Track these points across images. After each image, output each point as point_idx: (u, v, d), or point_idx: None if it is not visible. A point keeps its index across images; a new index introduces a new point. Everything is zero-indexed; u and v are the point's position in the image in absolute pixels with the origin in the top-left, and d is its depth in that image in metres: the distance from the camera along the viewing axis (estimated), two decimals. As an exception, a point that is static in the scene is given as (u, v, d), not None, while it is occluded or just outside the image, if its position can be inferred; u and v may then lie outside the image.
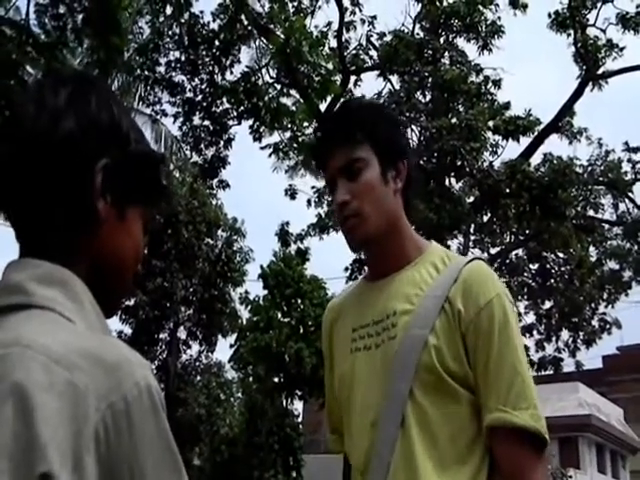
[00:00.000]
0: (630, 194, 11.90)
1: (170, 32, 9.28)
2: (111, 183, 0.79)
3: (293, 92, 10.07)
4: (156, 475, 0.67)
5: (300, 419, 21.43)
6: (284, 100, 10.11)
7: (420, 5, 9.54)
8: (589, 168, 11.69)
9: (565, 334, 13.57)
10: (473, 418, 1.24)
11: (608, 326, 13.48)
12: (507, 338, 1.24)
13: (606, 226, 12.81)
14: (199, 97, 9.68)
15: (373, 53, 10.05)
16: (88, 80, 0.86)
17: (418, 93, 10.27)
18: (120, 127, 0.82)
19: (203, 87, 9.62)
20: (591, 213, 12.13)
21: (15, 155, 0.77)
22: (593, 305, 13.42)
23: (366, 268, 1.51)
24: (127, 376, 0.67)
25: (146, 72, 9.47)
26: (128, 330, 17.26)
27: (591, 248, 12.97)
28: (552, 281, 13.51)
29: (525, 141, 10.70)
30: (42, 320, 0.71)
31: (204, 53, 9.27)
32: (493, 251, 13.45)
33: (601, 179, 11.77)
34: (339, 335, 1.41)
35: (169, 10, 8.80)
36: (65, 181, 0.77)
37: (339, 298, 1.50)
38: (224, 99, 9.76)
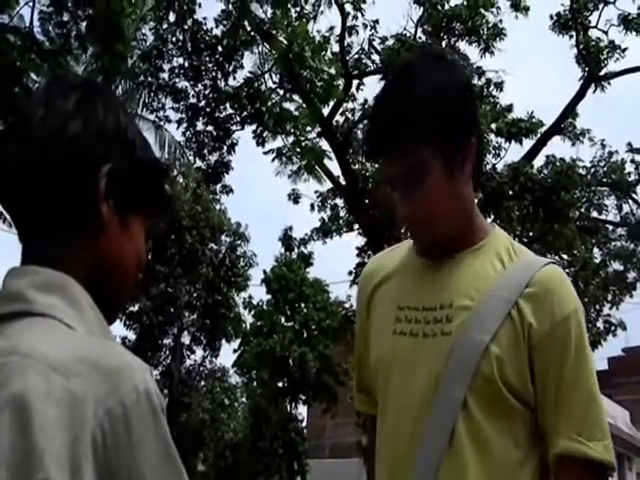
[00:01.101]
0: (634, 195, 11.90)
1: (173, 38, 9.32)
2: (115, 188, 0.79)
3: (296, 97, 10.10)
4: (155, 478, 0.66)
5: (304, 424, 21.41)
6: (287, 105, 10.15)
7: (422, 9, 9.57)
8: (592, 169, 11.68)
9: (569, 336, 13.55)
10: (527, 436, 1.16)
11: (613, 328, 13.45)
12: (584, 360, 1.15)
13: (610, 227, 12.79)
14: (202, 103, 9.72)
15: (375, 57, 10.08)
16: (96, 87, 0.87)
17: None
18: (126, 134, 0.82)
19: (206, 93, 9.66)
20: (595, 214, 12.12)
21: (21, 156, 0.77)
22: (598, 307, 13.40)
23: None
24: (125, 380, 0.66)
25: (150, 78, 9.51)
26: (132, 336, 17.31)
27: (595, 249, 12.95)
28: (556, 283, 13.51)
29: (528, 143, 10.72)
30: (42, 328, 0.71)
31: (207, 59, 9.31)
32: (497, 253, 13.46)
33: (604, 180, 11.77)
34: (382, 304, 1.28)
35: (172, 17, 8.85)
36: (69, 184, 0.77)
37: (384, 259, 1.34)
38: (227, 104, 9.79)
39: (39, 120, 0.78)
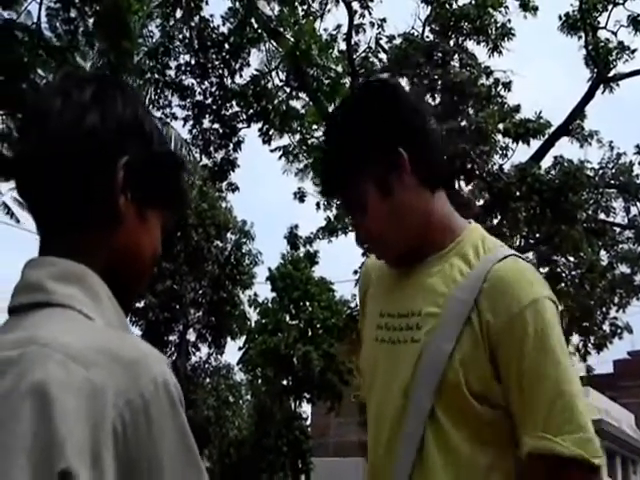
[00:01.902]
0: (642, 197, 11.80)
1: (180, 35, 9.34)
2: (132, 181, 0.79)
3: (302, 95, 10.10)
4: (174, 470, 0.67)
5: (308, 422, 21.44)
6: (293, 103, 10.15)
7: (430, 8, 9.53)
8: (600, 171, 11.59)
9: (576, 338, 13.45)
10: (499, 439, 1.13)
11: (619, 330, 13.35)
12: (548, 352, 1.08)
13: (617, 229, 12.70)
14: (209, 100, 9.72)
15: (382, 56, 10.03)
16: (113, 80, 0.87)
17: (428, 96, 10.24)
18: (143, 126, 0.82)
19: (213, 90, 9.66)
20: (602, 216, 12.02)
21: (39, 148, 0.77)
22: (604, 309, 13.30)
23: None
24: (145, 372, 0.67)
25: (156, 75, 9.52)
26: (137, 332, 17.35)
27: (602, 252, 12.85)
28: (562, 285, 13.41)
29: (535, 144, 10.66)
30: (61, 318, 0.71)
31: (214, 56, 9.31)
32: (503, 255, 13.40)
33: (612, 182, 11.67)
34: (370, 308, 1.33)
35: (179, 14, 8.85)
36: (87, 176, 0.77)
37: (378, 262, 1.35)
38: (234, 102, 9.79)
39: (56, 112, 0.77)
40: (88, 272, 0.76)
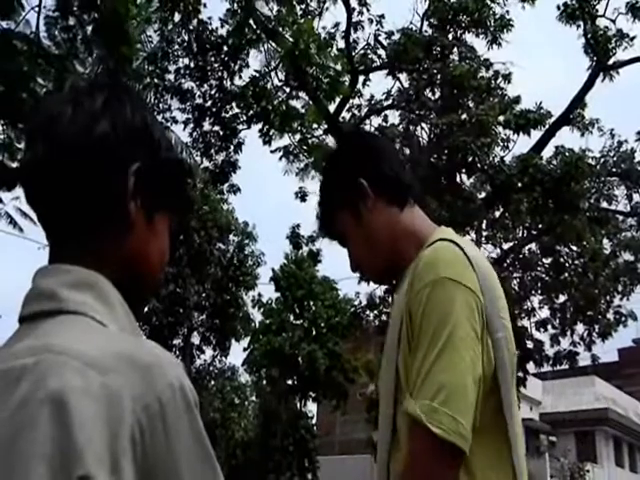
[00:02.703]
0: (644, 184, 11.80)
1: (179, 39, 9.29)
2: (142, 187, 0.80)
3: (302, 94, 10.06)
4: (192, 474, 0.68)
5: (314, 421, 21.43)
6: (293, 103, 10.11)
7: (428, 2, 9.50)
8: (602, 159, 11.60)
9: (580, 328, 13.47)
10: None
11: (623, 318, 13.39)
12: (427, 326, 1.14)
13: (620, 217, 12.72)
14: (209, 103, 9.69)
15: (381, 52, 10.02)
16: (122, 87, 0.88)
17: (427, 90, 10.22)
18: (152, 133, 0.83)
19: (212, 93, 9.63)
20: (605, 205, 12.04)
21: (50, 155, 0.77)
22: (608, 298, 13.31)
23: None
24: (160, 377, 0.67)
25: (156, 80, 9.49)
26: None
27: (605, 240, 12.87)
28: (566, 275, 13.42)
29: (536, 135, 10.64)
30: (74, 325, 0.71)
31: (213, 59, 9.27)
32: (506, 246, 13.38)
33: (614, 170, 11.68)
34: None
35: (177, 17, 8.80)
36: (98, 183, 0.78)
37: None
38: (233, 104, 9.75)
39: (68, 119, 0.78)
40: (100, 278, 0.76)
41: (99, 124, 0.78)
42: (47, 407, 0.62)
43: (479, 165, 10.55)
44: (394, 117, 10.79)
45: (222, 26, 9.10)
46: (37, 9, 7.15)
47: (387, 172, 1.39)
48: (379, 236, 1.36)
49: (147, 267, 0.83)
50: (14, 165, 8.16)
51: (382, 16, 9.84)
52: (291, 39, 8.81)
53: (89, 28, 7.30)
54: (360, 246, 1.39)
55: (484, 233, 12.94)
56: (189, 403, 0.69)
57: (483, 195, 11.57)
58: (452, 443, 1.07)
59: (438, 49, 9.43)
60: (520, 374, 11.41)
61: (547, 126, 10.56)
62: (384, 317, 11.72)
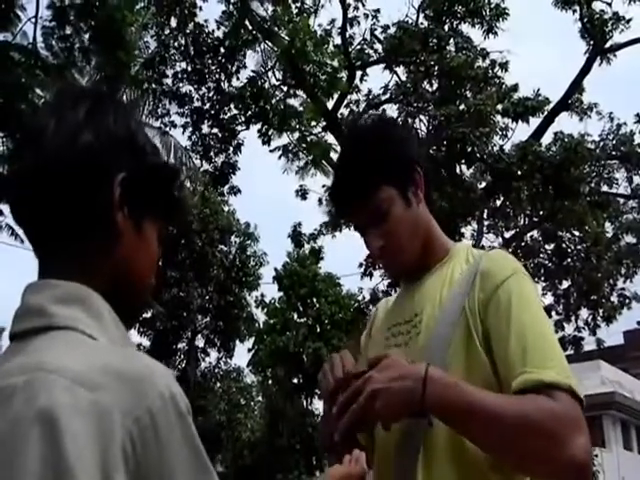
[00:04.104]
0: (644, 166, 11.81)
1: (176, 43, 9.25)
2: (129, 196, 0.80)
3: (300, 92, 10.04)
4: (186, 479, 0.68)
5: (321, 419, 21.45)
6: (291, 101, 10.09)
7: (423, -6, 9.49)
8: (601, 143, 11.61)
9: (584, 312, 13.51)
10: None
11: (627, 301, 13.44)
12: (527, 308, 1.19)
13: (621, 200, 12.74)
14: (207, 105, 9.67)
15: (378, 46, 10.01)
16: (105, 96, 0.87)
17: (425, 82, 10.21)
18: (137, 141, 0.83)
19: (210, 95, 9.61)
20: (605, 188, 12.05)
21: (34, 169, 0.77)
22: (611, 281, 13.36)
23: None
24: (150, 387, 0.67)
25: (153, 85, 9.46)
26: (146, 342, 17.28)
27: (607, 224, 12.91)
28: (569, 260, 13.46)
29: (535, 122, 10.65)
30: (64, 341, 0.71)
31: (210, 61, 9.25)
32: (507, 235, 13.42)
33: (614, 153, 11.69)
34: (377, 334, 1.46)
35: (174, 22, 8.76)
36: (84, 195, 0.77)
37: (386, 300, 1.55)
38: (232, 105, 9.73)
39: (51, 132, 0.77)
40: (89, 291, 0.76)
41: (82, 135, 0.77)
42: (38, 426, 0.63)
43: (478, 155, 10.56)
44: (392, 111, 10.79)
45: (218, 28, 9.10)
46: (34, 20, 7.09)
47: (427, 169, 1.41)
48: (420, 230, 1.34)
49: (137, 276, 0.83)
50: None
51: (378, 10, 9.85)
52: (287, 38, 8.79)
53: (86, 36, 7.25)
54: (402, 229, 1.32)
55: (485, 223, 12.96)
56: (181, 412, 0.68)
57: (483, 185, 11.57)
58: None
59: (434, 41, 9.41)
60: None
61: (545, 113, 10.57)
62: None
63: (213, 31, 9.15)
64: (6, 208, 9.35)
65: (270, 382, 20.53)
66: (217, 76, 9.39)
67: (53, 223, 0.78)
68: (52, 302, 0.74)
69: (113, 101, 0.86)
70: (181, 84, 9.58)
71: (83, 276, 0.77)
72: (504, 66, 10.19)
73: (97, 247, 0.79)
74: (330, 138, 10.78)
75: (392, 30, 9.65)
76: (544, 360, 1.12)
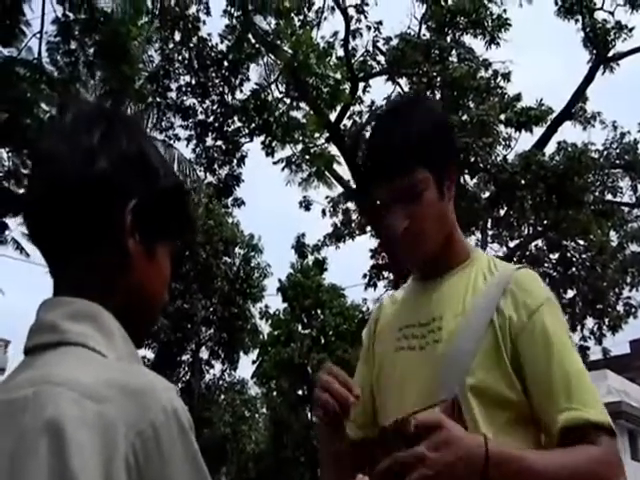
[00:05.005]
0: (648, 175, 11.80)
1: (179, 57, 9.33)
2: (141, 223, 0.81)
3: (303, 105, 10.08)
4: None
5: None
6: (294, 113, 10.13)
7: (425, 6, 9.53)
8: (605, 152, 11.62)
9: (590, 321, 13.46)
10: (514, 422, 1.19)
11: (633, 310, 13.38)
12: (564, 340, 1.20)
13: (626, 209, 12.73)
14: (211, 118, 9.72)
15: (380, 58, 10.06)
16: (119, 118, 0.88)
17: (428, 93, 10.23)
18: (150, 165, 0.84)
19: (214, 108, 9.66)
20: (609, 197, 12.05)
21: (48, 193, 0.79)
22: (617, 290, 13.32)
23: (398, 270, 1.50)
24: (154, 402, 0.69)
25: (158, 98, 9.52)
26: (150, 354, 17.26)
27: (612, 232, 12.89)
28: (574, 269, 13.42)
29: (538, 131, 10.67)
30: (74, 356, 0.73)
31: (214, 75, 9.31)
32: (512, 244, 13.39)
33: (618, 162, 11.70)
34: (384, 332, 1.39)
35: (178, 36, 8.84)
36: (96, 221, 0.79)
37: (391, 296, 1.48)
38: (235, 118, 9.77)
39: (65, 158, 0.79)
40: (100, 309, 0.78)
41: (96, 162, 0.78)
42: (45, 437, 0.65)
43: (482, 165, 10.57)
44: (395, 122, 10.77)
45: (222, 42, 9.18)
46: (39, 35, 7.15)
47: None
48: (445, 225, 1.29)
49: (148, 297, 0.85)
50: (20, 191, 8.14)
51: (380, 22, 9.90)
52: (290, 51, 8.83)
53: (91, 50, 7.30)
54: (431, 218, 1.26)
55: (489, 232, 12.95)
56: (183, 426, 0.70)
57: (487, 194, 11.58)
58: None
59: (437, 52, 9.46)
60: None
61: (549, 122, 10.58)
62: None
63: (216, 45, 9.25)
64: (12, 222, 9.35)
65: (274, 394, 20.45)
66: (221, 89, 9.45)
67: (66, 244, 0.80)
68: (64, 319, 0.76)
69: (126, 123, 0.86)
70: (185, 97, 9.67)
71: (95, 295, 0.78)
72: (506, 76, 10.23)
73: (109, 268, 0.81)
74: (333, 150, 10.81)
75: (394, 42, 9.71)
76: (586, 397, 1.16)
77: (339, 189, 11.93)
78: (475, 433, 1.11)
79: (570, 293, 13.51)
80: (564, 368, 1.17)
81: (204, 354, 18.31)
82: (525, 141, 15.30)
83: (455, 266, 1.31)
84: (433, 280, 1.31)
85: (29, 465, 0.64)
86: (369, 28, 9.78)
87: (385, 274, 13.00)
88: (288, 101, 10.02)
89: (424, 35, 9.77)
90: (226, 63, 9.10)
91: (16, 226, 9.83)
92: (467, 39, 9.80)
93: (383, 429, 1.07)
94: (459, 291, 1.27)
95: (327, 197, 12.37)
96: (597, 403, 1.16)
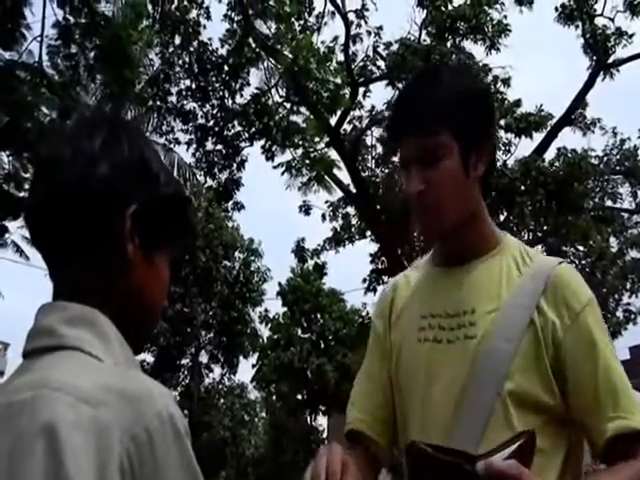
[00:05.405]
0: (648, 181, 11.81)
1: (180, 61, 9.36)
2: (140, 228, 0.82)
3: (303, 109, 10.10)
4: None
5: (325, 435, 21.29)
6: (294, 118, 10.15)
7: (425, 12, 9.56)
8: (605, 158, 11.63)
9: (589, 328, 13.42)
10: (548, 424, 1.15)
11: (633, 316, 13.35)
12: (608, 344, 1.16)
13: (625, 215, 12.72)
14: (211, 122, 9.74)
15: (381, 63, 10.08)
16: (121, 124, 0.88)
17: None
18: (150, 171, 0.85)
19: (214, 112, 9.68)
20: (609, 203, 12.04)
21: (50, 198, 0.80)
22: (617, 296, 13.29)
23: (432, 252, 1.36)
24: (149, 407, 0.69)
25: (158, 102, 9.56)
26: (150, 358, 17.25)
27: (611, 239, 12.87)
28: (574, 275, 13.40)
29: (538, 137, 10.67)
30: (70, 360, 0.74)
31: (214, 79, 9.33)
32: (511, 250, 13.38)
33: (618, 168, 11.71)
34: (404, 320, 1.30)
35: (178, 40, 8.87)
36: (96, 225, 0.80)
37: (404, 277, 1.37)
38: (235, 122, 9.79)
39: (67, 163, 0.80)
40: (97, 314, 0.78)
41: (97, 168, 0.79)
42: (41, 440, 0.65)
43: (482, 170, 10.56)
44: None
45: (222, 46, 9.20)
46: (39, 39, 7.17)
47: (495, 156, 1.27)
48: (468, 202, 1.19)
49: (147, 302, 0.86)
50: (21, 194, 8.15)
51: (380, 28, 9.93)
52: (290, 55, 8.85)
53: (91, 54, 7.33)
54: (448, 188, 1.17)
55: (489, 238, 12.94)
56: (178, 432, 0.70)
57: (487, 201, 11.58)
58: None
59: (437, 57, 9.46)
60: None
61: (548, 128, 10.59)
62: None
63: (217, 49, 9.28)
64: (11, 225, 9.36)
65: (274, 398, 20.43)
66: (221, 93, 9.48)
67: (67, 247, 0.81)
68: (61, 323, 0.77)
69: (128, 129, 0.87)
70: (185, 101, 9.69)
71: (93, 300, 0.79)
72: (506, 82, 10.23)
73: (108, 274, 0.81)
74: (333, 154, 10.82)
75: (395, 47, 9.72)
76: (631, 405, 1.14)
77: (339, 194, 11.94)
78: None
79: (570, 299, 13.47)
80: (609, 374, 1.13)
81: (204, 358, 18.32)
82: (525, 147, 15.37)
83: (483, 253, 1.23)
84: (458, 267, 1.24)
85: (26, 467, 0.65)
86: (369, 33, 9.83)
87: (385, 279, 12.99)
88: (288, 105, 10.03)
89: (424, 40, 9.79)
90: (226, 67, 9.13)
91: (16, 229, 9.83)
92: (467, 44, 9.82)
93: (423, 451, 0.95)
94: (491, 282, 1.20)
95: (327, 201, 12.38)
96: (637, 410, 1.14)
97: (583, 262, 13.30)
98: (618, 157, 11.60)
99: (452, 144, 1.17)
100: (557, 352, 1.14)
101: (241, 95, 9.60)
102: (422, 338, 1.22)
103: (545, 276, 1.17)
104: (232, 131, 9.94)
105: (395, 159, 11.48)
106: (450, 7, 9.32)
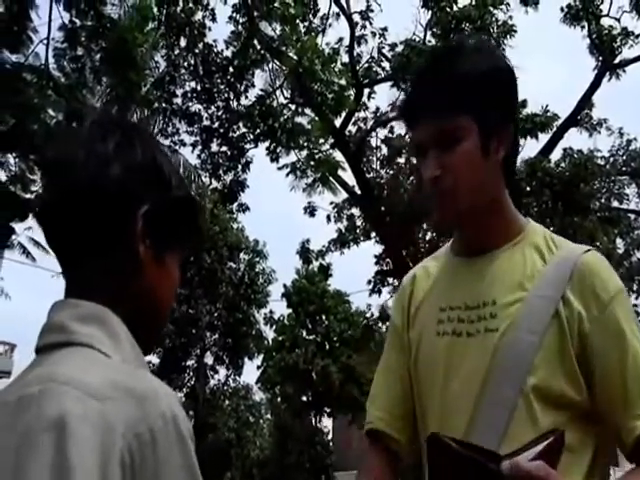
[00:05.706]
0: (655, 182, 11.77)
1: (185, 63, 9.39)
2: (152, 229, 0.83)
3: (308, 111, 10.10)
4: None
5: (330, 436, 21.27)
6: (299, 119, 10.16)
7: (430, 13, 9.55)
8: (611, 159, 11.59)
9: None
10: (573, 419, 1.10)
11: (639, 318, 13.30)
12: (638, 334, 1.09)
13: (632, 216, 12.67)
14: (216, 124, 9.77)
15: (385, 64, 10.08)
16: (134, 128, 0.90)
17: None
18: (162, 174, 0.86)
19: (219, 114, 9.70)
20: (616, 204, 12.00)
21: (63, 198, 0.81)
22: (623, 297, 13.24)
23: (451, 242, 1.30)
24: (154, 407, 0.70)
25: (163, 104, 9.59)
26: (155, 360, 17.28)
27: (618, 240, 12.81)
28: (580, 276, 13.36)
29: (544, 138, 10.65)
30: (80, 356, 0.75)
31: (219, 81, 9.36)
32: (517, 251, 13.35)
33: (624, 169, 11.66)
34: (422, 311, 1.25)
35: (183, 42, 8.90)
36: (108, 226, 0.81)
37: (422, 268, 1.31)
38: (240, 124, 9.81)
39: (80, 164, 0.81)
40: (107, 312, 0.80)
41: (110, 169, 0.81)
42: (48, 432, 0.66)
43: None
44: (400, 128, 10.81)
45: (227, 48, 9.24)
46: (46, 41, 7.20)
47: (518, 141, 1.22)
48: (487, 187, 1.14)
49: (157, 302, 0.87)
50: (27, 196, 8.17)
51: (385, 29, 9.94)
52: (295, 57, 8.86)
53: (97, 57, 7.35)
54: (466, 172, 1.12)
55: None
56: (181, 434, 0.71)
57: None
58: None
59: (442, 58, 9.44)
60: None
61: (554, 129, 10.56)
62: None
63: (222, 51, 9.31)
64: (18, 227, 9.37)
65: (279, 399, 20.44)
66: (226, 95, 9.50)
67: (79, 247, 0.82)
68: (73, 320, 0.78)
69: (141, 134, 0.89)
70: (190, 103, 9.73)
71: (104, 299, 0.80)
72: (512, 83, 10.19)
73: (119, 273, 0.83)
74: (338, 155, 10.82)
75: (400, 48, 9.71)
76: None
77: (344, 195, 11.93)
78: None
79: (576, 300, 13.43)
80: (639, 363, 1.07)
81: (209, 359, 18.35)
82: (531, 148, 15.37)
83: (505, 242, 1.17)
84: (479, 257, 1.18)
85: (31, 459, 0.66)
86: (374, 34, 9.82)
87: (390, 280, 12.98)
88: (293, 107, 10.05)
89: (429, 41, 9.77)
90: (231, 69, 9.16)
91: (22, 231, 9.86)
92: (472, 46, 9.78)
93: (446, 444, 0.93)
94: (514, 272, 1.14)
95: (332, 203, 12.38)
96: None
97: (589, 263, 13.27)
98: (624, 158, 11.56)
99: (471, 126, 1.11)
100: (583, 342, 1.08)
101: (246, 97, 9.64)
102: (441, 331, 1.18)
103: (571, 264, 1.11)
104: (237, 133, 9.97)
105: (400, 160, 11.47)
106: (455, 8, 9.31)
